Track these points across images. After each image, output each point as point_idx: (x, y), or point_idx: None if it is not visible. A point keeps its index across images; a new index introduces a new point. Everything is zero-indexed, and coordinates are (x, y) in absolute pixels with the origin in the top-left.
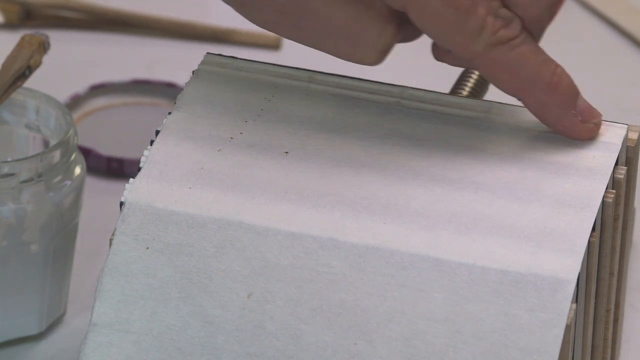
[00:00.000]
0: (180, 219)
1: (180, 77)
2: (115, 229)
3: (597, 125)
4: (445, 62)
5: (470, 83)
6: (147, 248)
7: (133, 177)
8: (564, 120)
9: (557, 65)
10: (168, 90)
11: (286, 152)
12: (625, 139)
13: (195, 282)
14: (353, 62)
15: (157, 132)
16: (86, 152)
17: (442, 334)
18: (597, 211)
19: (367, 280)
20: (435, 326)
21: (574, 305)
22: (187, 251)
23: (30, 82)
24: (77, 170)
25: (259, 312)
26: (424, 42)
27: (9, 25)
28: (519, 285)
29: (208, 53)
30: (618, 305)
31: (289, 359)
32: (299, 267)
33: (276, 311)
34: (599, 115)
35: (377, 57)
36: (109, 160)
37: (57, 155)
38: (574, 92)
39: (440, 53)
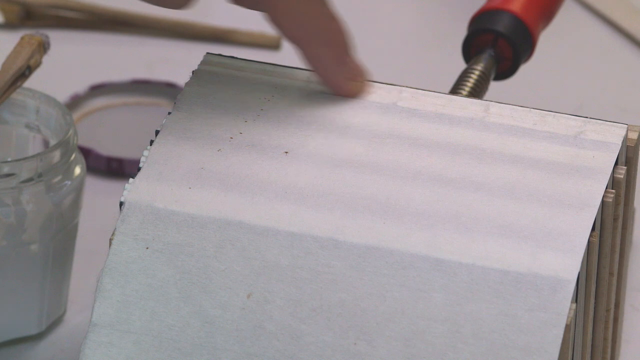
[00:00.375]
0: (180, 219)
1: (180, 77)
2: (115, 229)
3: (363, 84)
4: (238, 4)
5: (470, 83)
6: (147, 248)
7: (133, 177)
8: (335, 75)
9: (338, 21)
10: (168, 90)
11: (286, 152)
12: (625, 139)
13: (195, 282)
14: (163, 7)
15: (157, 132)
16: (86, 152)
17: (442, 334)
18: (596, 211)
19: (367, 280)
20: (435, 326)
21: (574, 305)
22: (187, 251)
23: (30, 82)
24: (77, 170)
25: (259, 312)
26: (424, 42)
27: (9, 25)
28: (519, 285)
29: (208, 53)
30: (618, 305)
31: (289, 359)
32: (299, 267)
33: (276, 311)
34: (365, 73)
35: (184, 1)
36: (109, 160)
37: (57, 155)
38: (346, 50)
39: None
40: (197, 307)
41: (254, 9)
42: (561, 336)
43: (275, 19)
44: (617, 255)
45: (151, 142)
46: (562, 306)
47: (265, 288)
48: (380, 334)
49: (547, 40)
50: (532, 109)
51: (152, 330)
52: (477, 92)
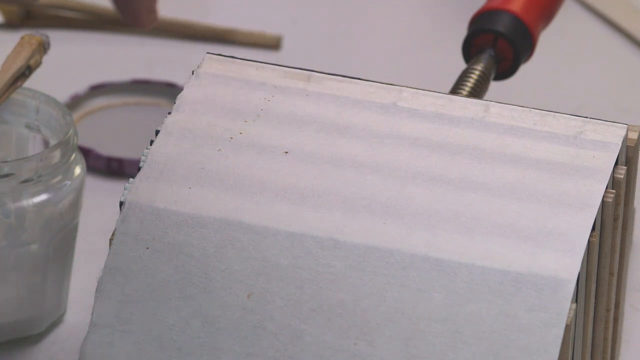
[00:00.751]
0: (180, 219)
1: (180, 77)
2: (115, 229)
3: (155, 20)
4: None
5: (470, 83)
6: (147, 248)
7: (133, 177)
8: (135, 4)
9: None
10: (168, 90)
11: (286, 152)
12: (625, 139)
13: (196, 282)
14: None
15: (157, 132)
16: (86, 152)
17: (442, 334)
18: (597, 211)
19: (367, 280)
20: (435, 326)
21: (574, 305)
22: (187, 251)
23: (30, 82)
24: (77, 170)
25: (259, 312)
26: (424, 42)
27: (9, 25)
28: (519, 285)
29: (208, 53)
30: (618, 305)
31: (289, 359)
32: (299, 267)
33: (276, 311)
34: (156, 10)
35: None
36: (109, 160)
37: (57, 155)
38: None
39: None
40: (197, 307)
41: None
42: (561, 336)
43: None
44: (617, 255)
45: (151, 142)
46: (562, 306)
47: (266, 288)
48: (381, 334)
49: (547, 40)
50: (532, 109)
51: (152, 331)
52: (477, 92)
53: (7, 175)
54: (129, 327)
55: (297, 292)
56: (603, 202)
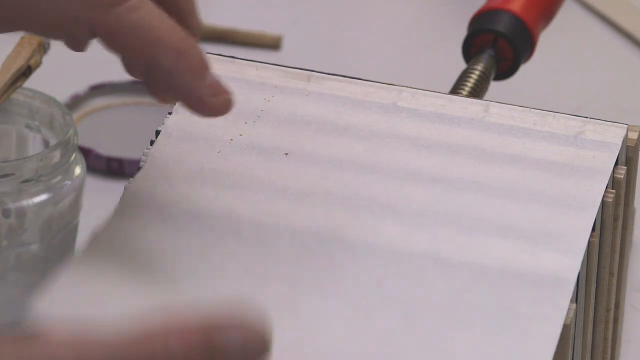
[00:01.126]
0: (179, 218)
1: None
2: (111, 218)
3: (229, 101)
4: (73, 49)
5: (470, 83)
6: (144, 229)
7: (133, 177)
8: (194, 92)
9: (185, 34)
10: None
11: (286, 153)
12: (625, 139)
13: (193, 253)
14: None
15: (157, 132)
16: (86, 152)
17: (441, 317)
18: (597, 211)
19: (366, 271)
20: (434, 311)
21: (574, 305)
22: (185, 235)
23: (30, 82)
24: (77, 170)
25: (256, 285)
26: (424, 42)
27: None
28: (518, 285)
29: (208, 53)
30: (618, 305)
31: (288, 299)
32: (298, 255)
33: (273, 285)
34: (228, 91)
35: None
36: (109, 160)
37: (57, 155)
38: (204, 63)
39: (73, 43)
40: (192, 270)
41: (83, 33)
42: (561, 336)
43: (116, 42)
44: (617, 255)
45: (151, 142)
46: (561, 306)
47: (264, 268)
48: (379, 313)
49: (547, 40)
50: (532, 109)
51: (143, 280)
52: (477, 92)
53: (7, 175)
54: (121, 259)
55: (295, 274)
56: (603, 202)
